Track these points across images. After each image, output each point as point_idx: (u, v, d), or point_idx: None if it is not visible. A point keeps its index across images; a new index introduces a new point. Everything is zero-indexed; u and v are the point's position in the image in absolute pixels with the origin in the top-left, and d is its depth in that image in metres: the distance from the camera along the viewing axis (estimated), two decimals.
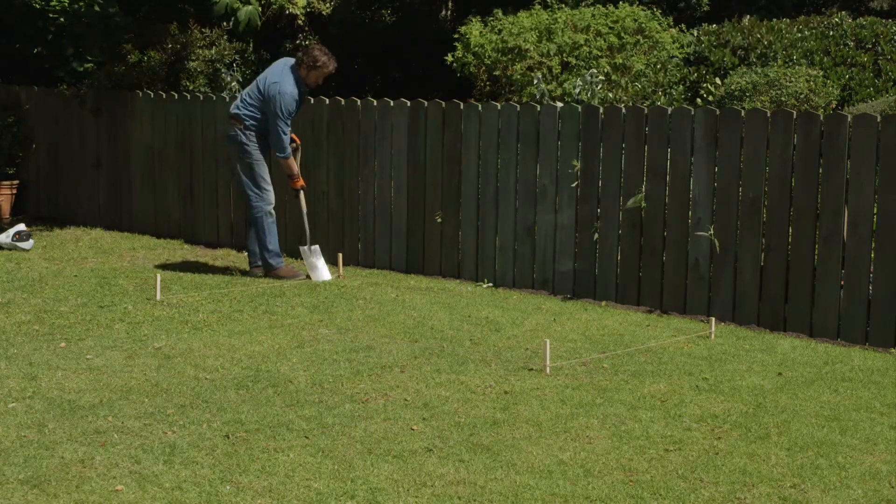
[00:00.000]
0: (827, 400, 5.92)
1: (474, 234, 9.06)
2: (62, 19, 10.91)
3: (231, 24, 11.76)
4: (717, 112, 7.88)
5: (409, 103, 9.42)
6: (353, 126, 9.71)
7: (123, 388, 5.94)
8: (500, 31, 12.44)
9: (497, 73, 12.19)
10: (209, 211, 10.76)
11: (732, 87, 11.36)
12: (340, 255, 9.43)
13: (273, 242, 9.07)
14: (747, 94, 11.14)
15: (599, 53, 12.02)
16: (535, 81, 10.66)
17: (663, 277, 8.10)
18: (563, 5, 13.37)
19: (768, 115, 7.62)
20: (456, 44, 12.79)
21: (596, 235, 8.40)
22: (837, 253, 7.33)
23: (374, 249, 9.66)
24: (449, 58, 12.75)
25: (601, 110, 8.42)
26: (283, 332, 7.23)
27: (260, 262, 9.16)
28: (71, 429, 5.27)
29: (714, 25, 13.52)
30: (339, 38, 15.65)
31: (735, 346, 7.09)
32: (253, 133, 8.97)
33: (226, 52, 12.93)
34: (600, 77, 10.35)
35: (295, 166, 9.17)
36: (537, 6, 13.24)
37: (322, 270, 9.05)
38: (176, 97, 11.05)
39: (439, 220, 9.22)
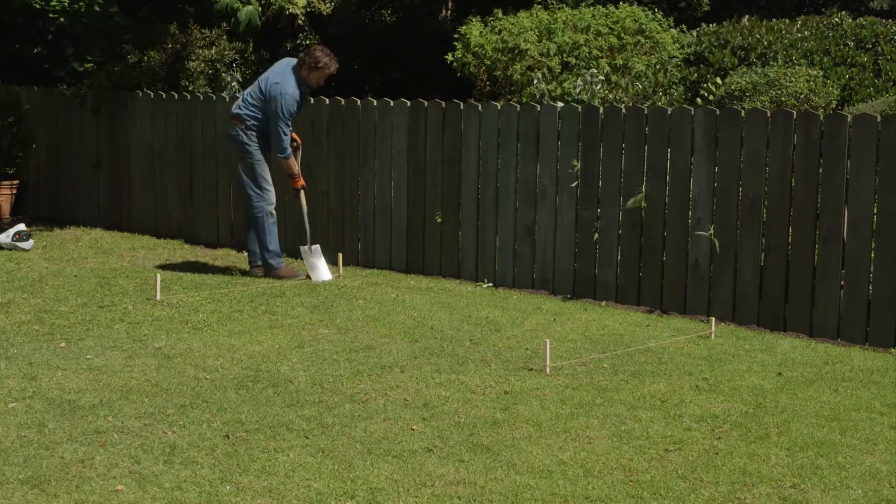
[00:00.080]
0: (827, 400, 5.92)
1: (474, 234, 9.06)
2: (62, 19, 10.91)
3: (231, 24, 11.77)
4: (717, 112, 7.88)
5: (409, 103, 9.43)
6: (353, 126, 9.71)
7: (123, 388, 5.94)
8: (500, 31, 12.45)
9: (497, 73, 12.19)
10: (209, 211, 10.76)
11: (732, 87, 11.36)
12: (340, 255, 9.43)
13: (273, 243, 9.07)
14: (747, 94, 11.14)
15: (599, 54, 12.02)
16: (535, 81, 10.66)
17: (663, 277, 8.10)
18: (564, 5, 13.37)
19: (768, 115, 7.62)
20: (456, 44, 12.79)
21: (596, 235, 8.40)
22: (837, 253, 7.33)
23: (374, 249, 9.66)
24: (449, 58, 12.75)
25: (601, 110, 8.42)
26: (283, 332, 7.23)
27: (260, 262, 9.16)
28: (71, 429, 5.27)
29: (714, 25, 13.53)
30: (339, 38, 15.65)
31: (735, 346, 7.09)
32: (254, 133, 8.97)
33: (226, 52, 12.93)
34: (600, 77, 10.35)
35: (295, 166, 9.17)
36: (537, 6, 13.24)
37: (322, 270, 9.05)
38: (176, 97, 11.05)
39: (439, 220, 9.22)
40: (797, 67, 11.63)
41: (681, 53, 12.75)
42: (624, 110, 8.32)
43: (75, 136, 11.94)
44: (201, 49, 12.74)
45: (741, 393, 6.01)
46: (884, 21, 12.90)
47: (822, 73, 11.70)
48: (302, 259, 9.27)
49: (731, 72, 12.21)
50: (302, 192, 9.26)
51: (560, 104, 9.07)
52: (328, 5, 15.46)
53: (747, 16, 13.73)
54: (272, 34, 15.75)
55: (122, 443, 5.09)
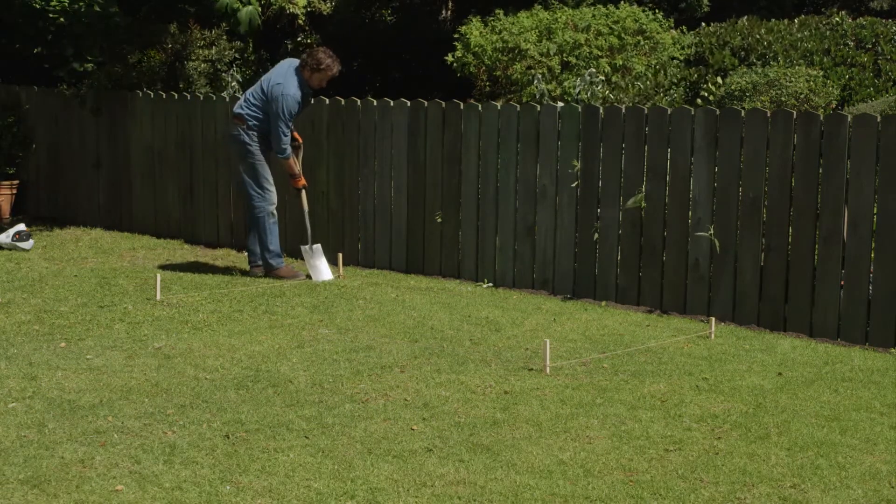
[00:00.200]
0: (827, 400, 5.92)
1: (474, 234, 9.06)
2: (62, 19, 10.91)
3: (231, 24, 11.76)
4: (717, 112, 7.88)
5: (409, 103, 9.43)
6: (353, 126, 9.71)
7: (123, 388, 5.94)
8: (500, 31, 12.45)
9: (497, 73, 12.20)
10: (209, 211, 10.76)
11: (732, 88, 11.37)
12: (340, 255, 9.43)
13: (274, 243, 9.07)
14: (747, 95, 11.15)
15: (600, 53, 12.03)
16: (535, 81, 10.66)
17: (663, 277, 8.10)
18: (564, 5, 13.37)
19: (768, 115, 7.62)
20: (456, 44, 12.79)
21: (596, 235, 8.40)
22: (837, 253, 7.33)
23: (374, 249, 9.66)
24: (449, 58, 12.76)
25: (601, 110, 8.42)
26: (283, 332, 7.23)
27: (260, 262, 9.16)
28: (71, 429, 5.27)
29: (714, 25, 13.53)
30: (339, 38, 15.65)
31: (735, 346, 7.09)
32: (255, 133, 8.97)
33: (226, 52, 12.94)
34: (600, 77, 10.35)
35: (296, 166, 9.17)
36: (538, 6, 13.25)
37: (323, 270, 9.05)
38: (176, 97, 11.05)
39: (439, 220, 9.22)
40: (797, 67, 11.63)
41: (681, 54, 12.76)
42: (624, 110, 8.32)
43: (75, 136, 11.94)
44: (201, 49, 12.75)
45: (741, 393, 6.01)
46: (884, 21, 12.91)
47: (822, 73, 11.70)
48: (302, 259, 9.27)
49: (731, 72, 12.21)
50: (303, 191, 9.26)
51: (560, 104, 9.07)
52: (328, 5, 15.46)
53: (746, 16, 13.73)
54: (272, 34, 15.75)
55: (122, 443, 5.09)
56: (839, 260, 7.32)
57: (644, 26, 12.54)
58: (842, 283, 7.33)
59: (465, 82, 13.21)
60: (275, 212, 9.10)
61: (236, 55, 13.32)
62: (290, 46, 15.64)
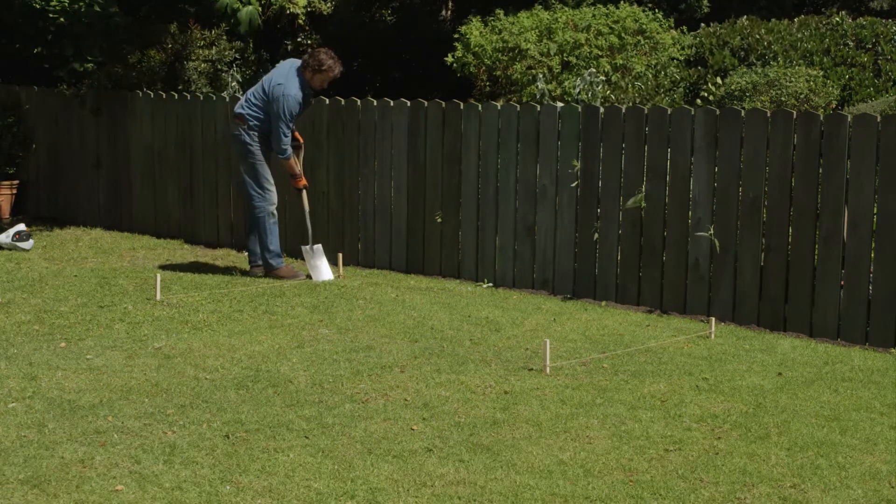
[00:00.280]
0: (827, 400, 5.92)
1: (474, 234, 9.06)
2: (62, 19, 10.91)
3: (231, 24, 11.76)
4: (717, 112, 7.88)
5: (409, 103, 9.43)
6: (353, 126, 9.71)
7: (123, 388, 5.94)
8: (500, 31, 12.45)
9: (497, 73, 12.20)
10: (209, 211, 10.76)
11: (732, 88, 11.37)
12: (340, 255, 9.43)
13: (274, 243, 9.07)
14: (747, 95, 11.14)
15: (600, 53, 12.03)
16: (538, 81, 10.66)
17: (663, 277, 8.10)
18: (564, 5, 13.38)
19: (768, 115, 7.62)
20: (456, 44, 12.80)
21: (596, 235, 8.40)
22: (837, 253, 7.33)
23: (374, 249, 9.66)
24: (449, 58, 12.76)
25: (601, 110, 8.42)
26: (283, 332, 7.23)
27: (260, 262, 9.16)
28: (71, 429, 5.27)
29: (713, 25, 13.53)
30: (339, 38, 15.65)
31: (735, 346, 7.09)
32: (256, 133, 8.97)
33: (226, 53, 12.94)
34: (600, 77, 10.36)
35: (297, 166, 9.17)
36: (538, 6, 13.25)
37: (323, 270, 9.05)
38: (176, 97, 11.05)
39: (439, 220, 9.22)
40: (797, 67, 11.63)
41: (681, 54, 12.76)
42: (624, 110, 8.32)
43: (75, 136, 11.94)
44: (201, 49, 12.75)
45: (741, 393, 6.01)
46: (884, 21, 12.91)
47: (822, 73, 11.70)
48: (303, 259, 9.27)
49: (730, 72, 12.21)
50: (304, 191, 9.26)
51: (560, 104, 9.07)
52: (328, 5, 15.46)
53: (746, 16, 13.73)
54: (272, 34, 15.75)
55: (122, 443, 5.09)
56: (839, 260, 7.32)
57: (644, 26, 12.54)
58: (842, 283, 7.33)
59: (465, 82, 13.21)
60: (275, 212, 9.10)
61: (236, 55, 13.33)
62: (290, 47, 15.64)
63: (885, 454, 5.11)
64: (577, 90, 10.05)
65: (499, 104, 9.15)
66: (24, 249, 10.21)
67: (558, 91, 11.47)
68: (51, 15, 10.86)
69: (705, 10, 16.00)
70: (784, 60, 12.07)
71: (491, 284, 8.92)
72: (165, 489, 4.57)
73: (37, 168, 12.42)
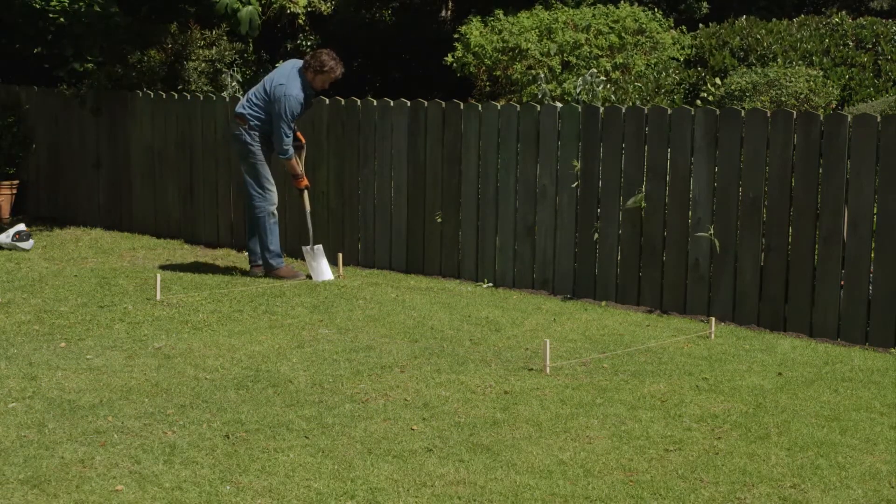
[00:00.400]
0: (827, 400, 5.92)
1: (474, 234, 9.06)
2: (62, 19, 10.91)
3: (231, 24, 11.76)
4: (717, 112, 7.88)
5: (409, 103, 9.43)
6: (353, 126, 9.71)
7: (123, 388, 5.94)
8: (500, 31, 12.46)
9: (497, 73, 12.20)
10: (209, 211, 10.76)
11: (732, 88, 11.37)
12: (340, 255, 9.43)
13: (274, 243, 9.07)
14: (747, 95, 11.14)
15: (600, 53, 12.03)
16: (539, 81, 10.66)
17: (663, 277, 8.10)
18: (564, 5, 13.38)
19: (768, 115, 7.62)
20: (456, 44, 12.80)
21: (596, 235, 8.40)
22: (837, 253, 7.33)
23: (374, 249, 9.66)
24: (449, 58, 12.76)
25: (601, 110, 8.42)
26: (283, 332, 7.23)
27: (260, 262, 9.16)
28: (71, 429, 5.27)
29: (713, 25, 13.52)
30: (339, 38, 15.66)
31: (735, 346, 7.09)
32: (257, 133, 8.97)
33: (226, 53, 12.93)
34: (601, 77, 10.36)
35: (298, 167, 9.17)
36: (538, 6, 13.25)
37: (324, 270, 9.05)
38: (176, 97, 11.05)
39: (439, 220, 9.22)
40: (797, 67, 11.63)
41: (680, 54, 12.76)
42: (624, 110, 8.32)
43: (75, 136, 11.94)
44: (201, 49, 12.75)
45: (741, 393, 6.01)
46: (884, 21, 12.91)
47: (821, 73, 11.70)
48: (303, 259, 9.27)
49: (730, 72, 12.21)
50: (305, 192, 9.26)
51: (560, 104, 9.07)
52: (328, 5, 15.47)
53: (746, 16, 13.73)
54: (272, 34, 15.75)
55: (122, 443, 5.09)
56: (839, 260, 7.32)
57: (644, 26, 12.54)
58: (842, 283, 7.33)
59: (465, 82, 13.21)
60: (275, 212, 9.11)
61: (236, 55, 13.32)
62: (290, 47, 15.65)
63: (885, 454, 5.11)
64: (578, 90, 10.05)
65: (499, 104, 9.15)
66: (24, 249, 10.21)
67: (558, 91, 11.47)
68: (51, 15, 10.86)
69: (705, 11, 16.00)
70: (784, 61, 12.07)
71: (491, 284, 8.92)
72: (165, 489, 4.57)
73: (37, 168, 12.42)
